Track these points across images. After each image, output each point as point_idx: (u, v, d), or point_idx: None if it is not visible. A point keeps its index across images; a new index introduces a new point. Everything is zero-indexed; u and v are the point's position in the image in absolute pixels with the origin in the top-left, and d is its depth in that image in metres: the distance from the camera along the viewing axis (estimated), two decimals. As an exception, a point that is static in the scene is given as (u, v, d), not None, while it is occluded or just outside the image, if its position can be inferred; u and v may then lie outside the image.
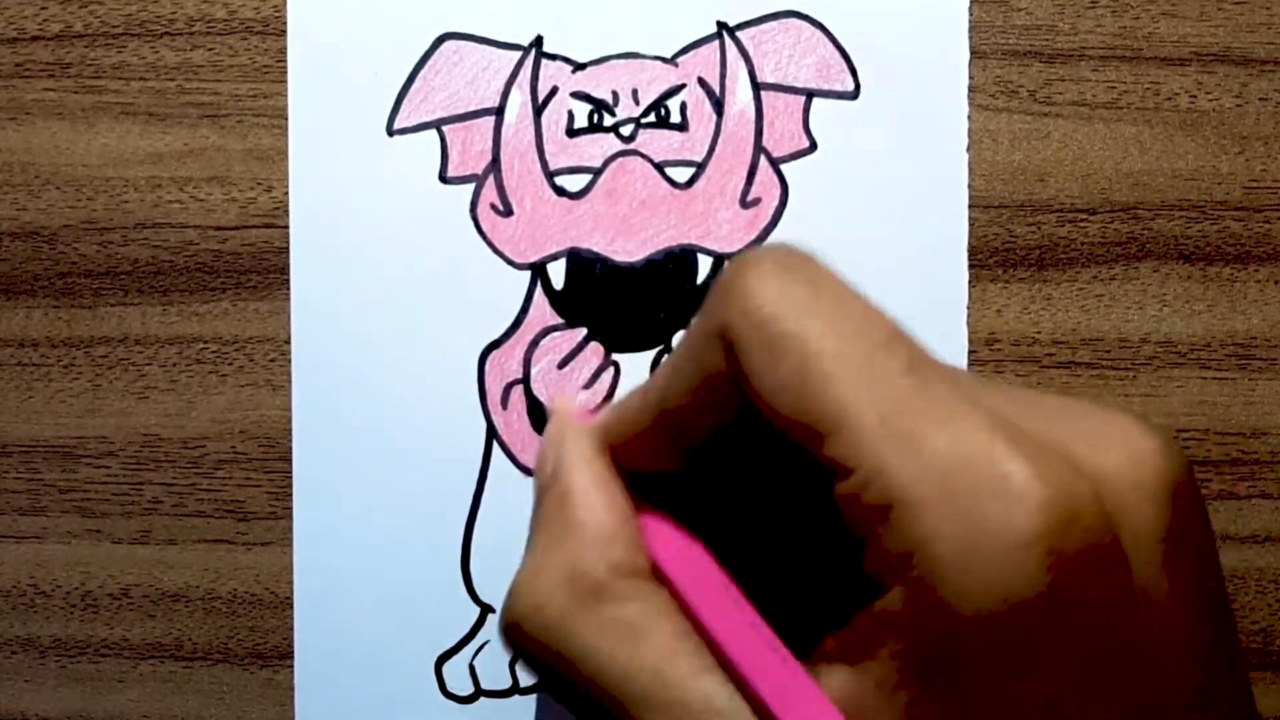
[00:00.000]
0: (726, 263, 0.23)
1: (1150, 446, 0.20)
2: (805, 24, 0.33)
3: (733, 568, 0.24)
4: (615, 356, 0.33)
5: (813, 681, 0.21)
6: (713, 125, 0.33)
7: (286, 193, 0.33)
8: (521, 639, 0.23)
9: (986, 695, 0.19)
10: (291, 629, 0.33)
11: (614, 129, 0.33)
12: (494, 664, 0.33)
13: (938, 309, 0.33)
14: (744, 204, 0.33)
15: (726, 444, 0.24)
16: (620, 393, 0.33)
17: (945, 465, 0.19)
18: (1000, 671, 0.19)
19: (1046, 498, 0.18)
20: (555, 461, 0.25)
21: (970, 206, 0.33)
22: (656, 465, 0.24)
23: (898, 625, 0.19)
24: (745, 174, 0.33)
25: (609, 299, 0.33)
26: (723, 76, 0.33)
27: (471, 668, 0.33)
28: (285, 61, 0.33)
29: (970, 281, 0.33)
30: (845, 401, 0.20)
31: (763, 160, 0.33)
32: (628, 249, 0.33)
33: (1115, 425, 0.21)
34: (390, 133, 0.33)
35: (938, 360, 0.21)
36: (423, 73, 0.33)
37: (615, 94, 0.33)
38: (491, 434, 0.33)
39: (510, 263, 0.33)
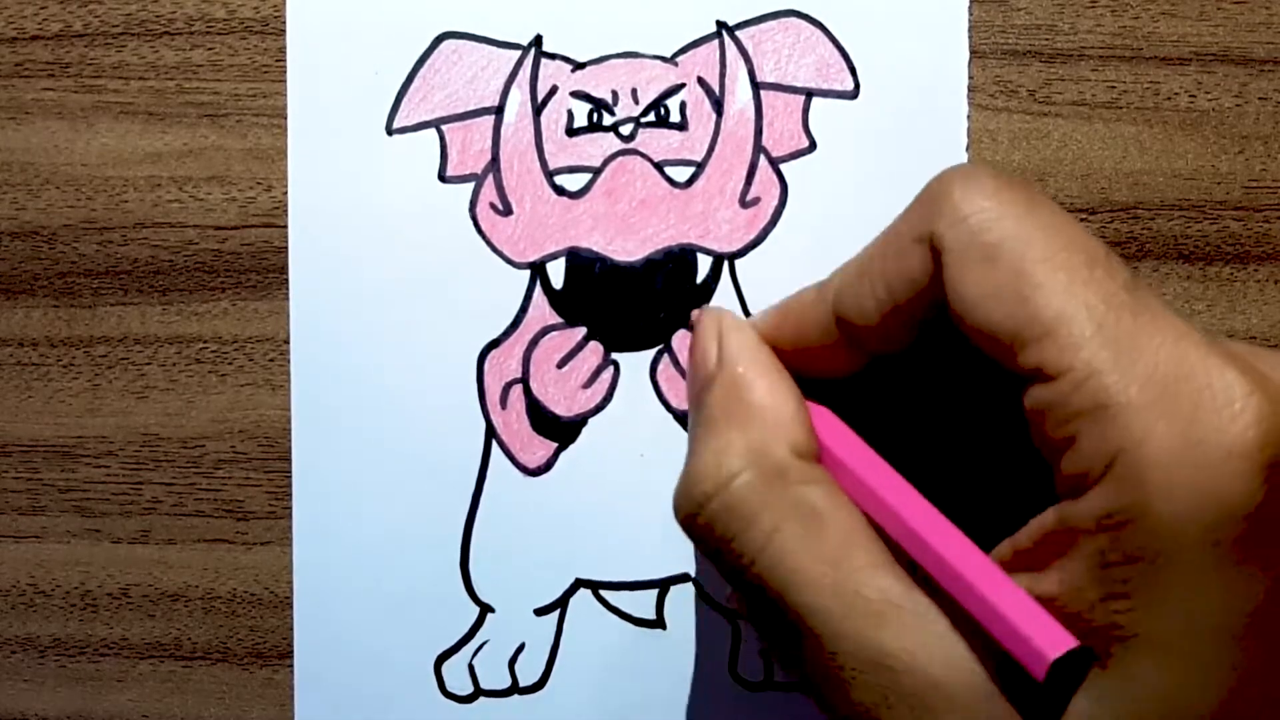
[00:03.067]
0: (937, 174, 0.23)
1: None
2: (805, 23, 0.33)
3: (894, 462, 0.23)
4: (615, 356, 0.33)
5: (999, 567, 0.21)
6: (712, 125, 0.33)
7: (286, 192, 0.33)
8: (703, 518, 0.23)
9: (1187, 598, 0.19)
10: (291, 629, 0.33)
11: (613, 128, 0.33)
12: (493, 663, 0.33)
13: (937, 309, 0.33)
14: (743, 203, 0.33)
15: (899, 359, 0.23)
16: (620, 392, 0.33)
17: (1164, 372, 0.19)
18: (1204, 577, 0.19)
19: (1265, 411, 0.19)
20: (720, 352, 0.25)
21: (970, 206, 0.33)
22: (826, 370, 0.24)
23: (1093, 527, 0.19)
24: (745, 173, 0.33)
25: (608, 298, 0.33)
26: (722, 76, 0.33)
27: (471, 667, 0.33)
28: (285, 61, 0.33)
29: (970, 281, 0.33)
30: (1063, 307, 0.20)
31: (762, 160, 0.33)
32: (627, 248, 0.33)
33: None
34: (390, 132, 0.33)
35: (1146, 283, 0.22)
36: (422, 72, 0.33)
37: (615, 93, 0.33)
38: (491, 433, 0.33)
39: (509, 262, 0.33)
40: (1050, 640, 0.19)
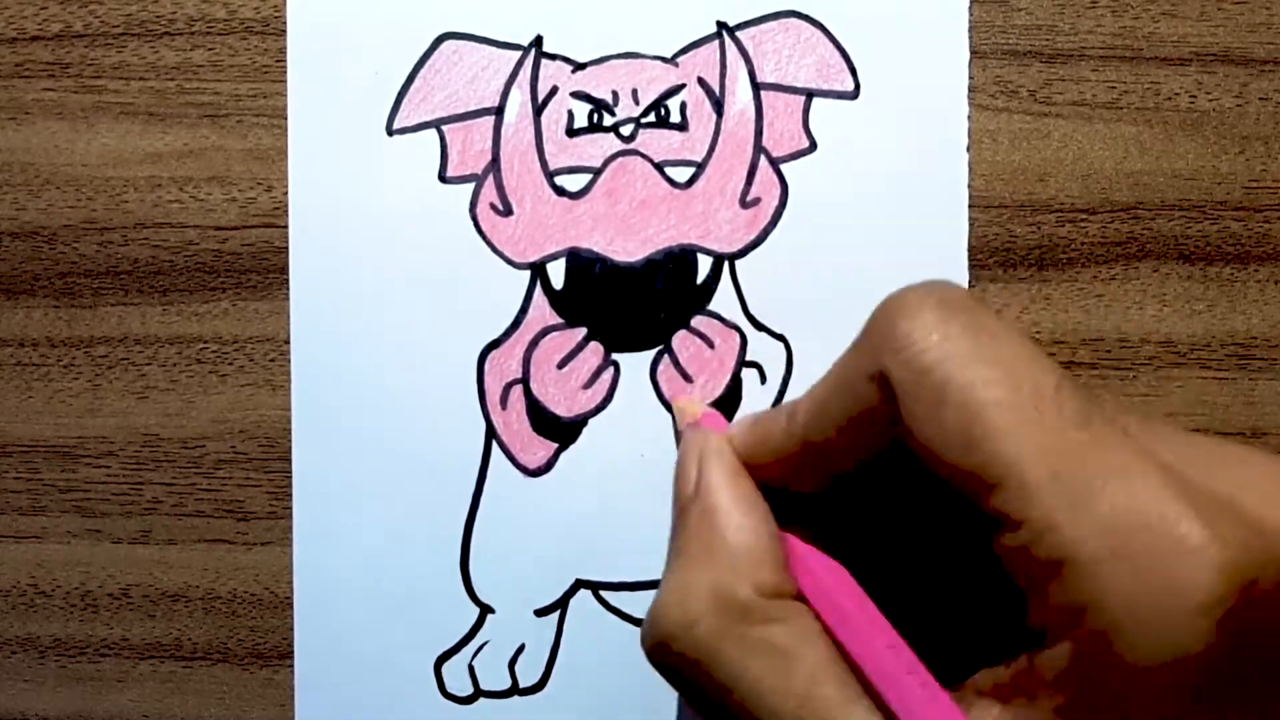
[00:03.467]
0: (882, 301, 0.22)
1: None
2: (805, 24, 0.33)
3: (870, 586, 0.23)
4: (615, 356, 0.33)
5: (958, 709, 0.20)
6: (712, 125, 0.33)
7: (286, 193, 0.33)
8: (669, 657, 0.23)
9: None
10: (291, 629, 0.33)
11: (614, 129, 0.33)
12: (493, 664, 0.33)
13: (938, 309, 0.33)
14: (744, 204, 0.33)
15: (872, 468, 0.23)
16: (620, 393, 0.33)
17: (1120, 523, 0.19)
18: None
19: (1225, 560, 0.18)
20: (698, 478, 0.25)
21: (970, 206, 0.33)
22: (798, 487, 0.24)
23: (1061, 678, 0.19)
24: (745, 174, 0.33)
25: (609, 299, 0.33)
26: (723, 76, 0.33)
27: (471, 668, 0.33)
28: (285, 61, 0.33)
29: (970, 281, 0.33)
30: (1013, 455, 0.19)
31: (762, 160, 0.33)
32: (627, 249, 0.33)
33: None
34: (390, 132, 0.33)
35: (1105, 401, 0.21)
36: (422, 72, 0.33)
37: (615, 94, 0.33)
38: (491, 434, 0.33)
39: (510, 262, 0.33)
40: None
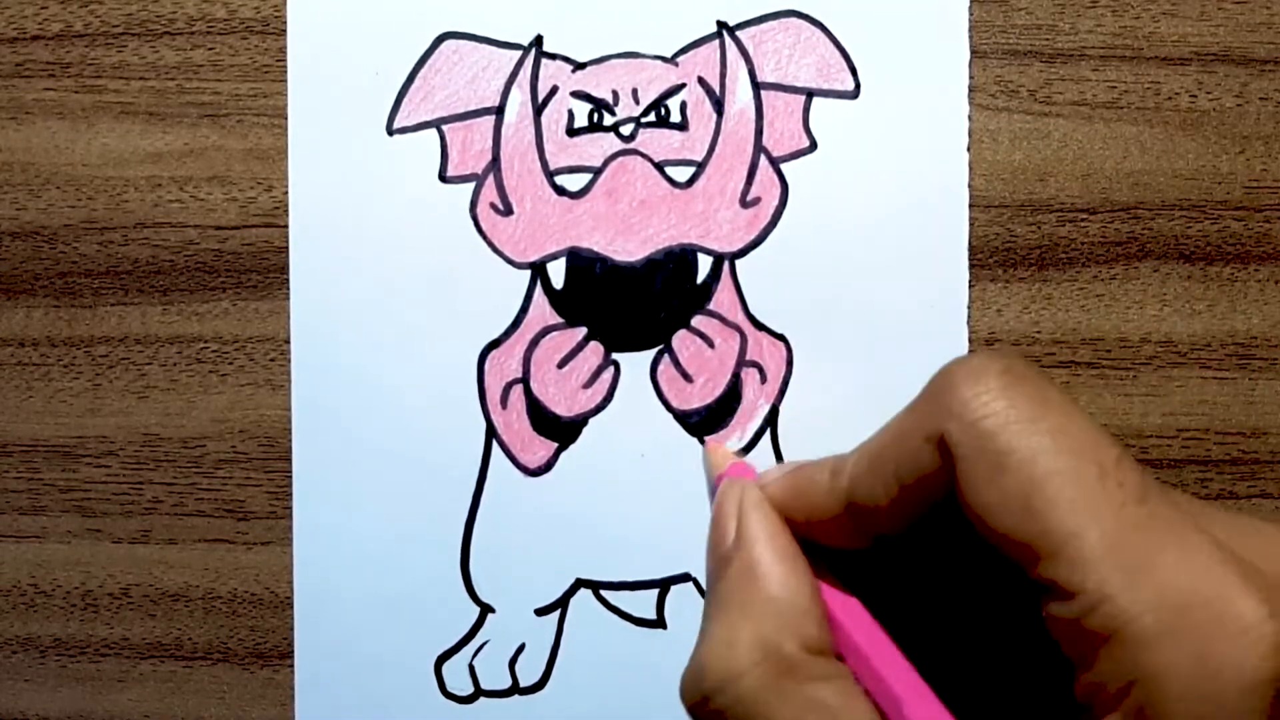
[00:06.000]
0: (945, 366, 0.22)
1: None
2: (805, 23, 0.33)
3: (902, 645, 0.23)
4: (615, 356, 0.33)
5: None
6: (713, 125, 0.33)
7: (286, 192, 0.33)
8: (711, 711, 0.23)
9: None
10: (291, 629, 0.33)
11: (614, 128, 0.33)
12: (494, 664, 0.33)
13: (938, 309, 0.33)
14: (744, 203, 0.33)
15: (912, 530, 0.23)
16: (620, 393, 0.33)
17: (1176, 599, 0.19)
18: None
19: (1278, 639, 0.18)
20: (739, 532, 0.25)
21: (970, 206, 0.33)
22: (839, 544, 0.24)
23: None
24: (745, 173, 0.33)
25: (609, 298, 0.33)
26: (723, 76, 0.33)
27: (471, 668, 0.33)
28: (285, 61, 0.33)
29: (970, 281, 0.33)
30: (1072, 525, 0.20)
31: (763, 160, 0.33)
32: (628, 248, 0.33)
33: None
34: (390, 132, 0.33)
35: (1157, 482, 0.21)
36: (423, 72, 0.33)
37: (615, 93, 0.33)
38: (491, 433, 0.33)
39: (510, 262, 0.33)
40: None
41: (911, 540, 0.24)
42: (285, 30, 0.33)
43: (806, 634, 0.23)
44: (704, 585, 0.25)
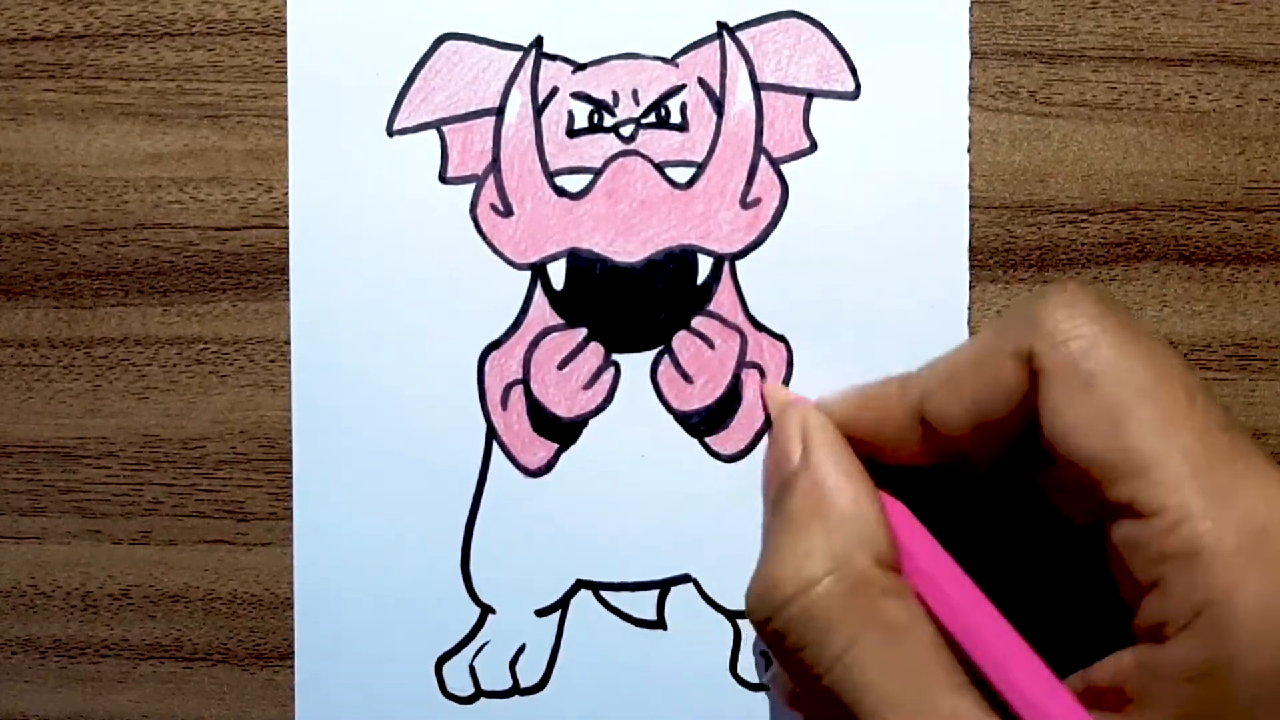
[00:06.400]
0: (1039, 289, 0.22)
1: None
2: (805, 24, 0.33)
3: (967, 566, 0.23)
4: (615, 357, 0.33)
5: (1079, 705, 0.20)
6: (713, 125, 0.33)
7: (286, 193, 0.33)
8: (781, 625, 0.23)
9: None
10: (291, 629, 0.33)
11: (614, 129, 0.33)
12: (494, 664, 0.33)
13: (938, 309, 0.33)
14: (744, 204, 0.33)
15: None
16: (620, 393, 0.33)
17: (1259, 521, 0.19)
18: None
19: None
20: (805, 451, 0.24)
21: (970, 207, 0.33)
22: (901, 461, 0.24)
23: (1178, 675, 0.19)
24: (745, 174, 0.33)
25: (609, 299, 0.33)
26: (723, 77, 0.33)
27: (472, 668, 0.33)
28: (285, 61, 0.33)
29: (970, 282, 0.33)
30: (1157, 446, 0.20)
31: (763, 160, 0.33)
32: (628, 249, 0.33)
33: None
34: (390, 133, 0.33)
35: (1236, 419, 0.21)
36: (423, 73, 0.33)
37: (615, 94, 0.33)
38: (491, 434, 0.33)
39: (510, 263, 0.33)
40: None
41: (979, 470, 0.24)
42: (285, 31, 0.33)
43: (879, 548, 0.23)
44: (762, 522, 0.24)
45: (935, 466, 0.24)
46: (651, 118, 0.33)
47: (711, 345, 0.33)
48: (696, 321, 0.33)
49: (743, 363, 0.33)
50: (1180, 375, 0.21)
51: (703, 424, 0.33)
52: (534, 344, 0.33)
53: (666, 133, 0.33)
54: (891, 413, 0.24)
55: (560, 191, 0.33)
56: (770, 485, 0.25)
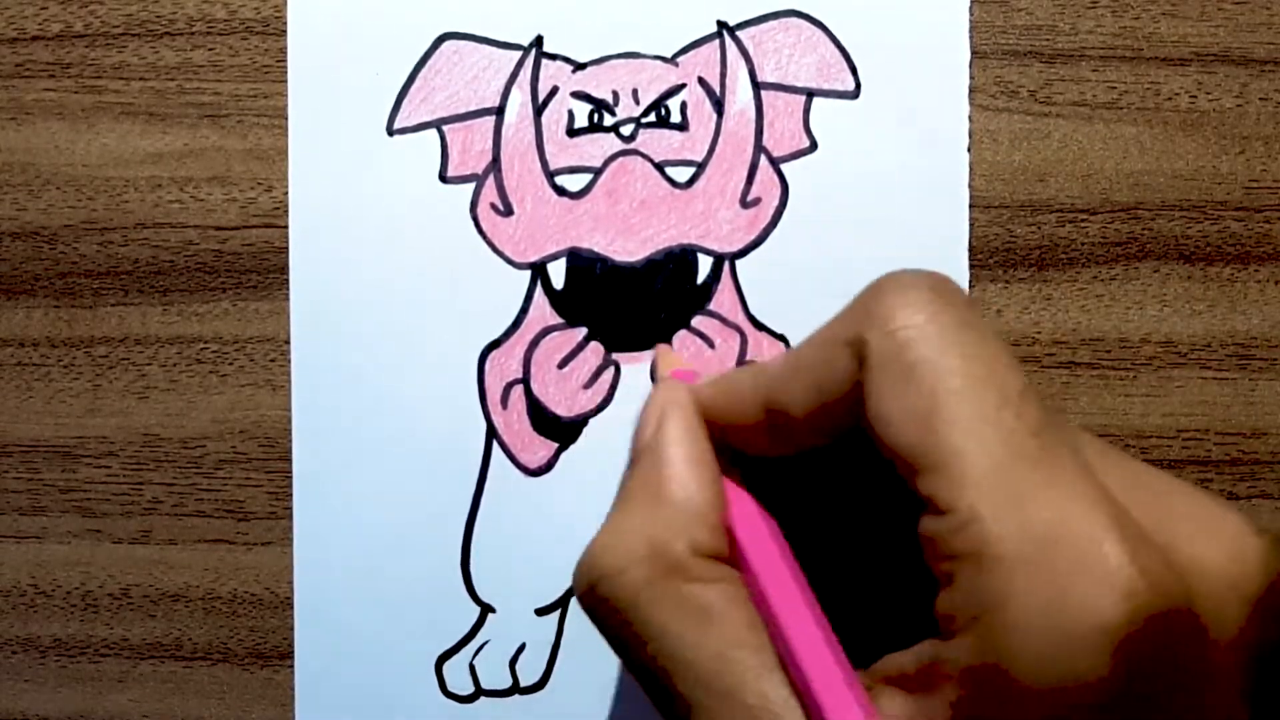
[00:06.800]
0: (879, 277, 0.23)
1: (1255, 546, 0.20)
2: (805, 23, 0.33)
3: (806, 554, 0.23)
4: (615, 356, 0.33)
5: (869, 702, 0.20)
6: (713, 125, 0.33)
7: (286, 193, 0.33)
8: (595, 600, 0.23)
9: None
10: (291, 629, 0.33)
11: (614, 129, 0.33)
12: (494, 663, 0.33)
13: (938, 309, 0.33)
14: (744, 204, 0.33)
15: (832, 447, 0.23)
16: (620, 393, 0.33)
17: (1045, 530, 0.19)
18: None
19: (1137, 588, 0.18)
20: (657, 428, 0.25)
21: (970, 206, 0.33)
22: (755, 451, 0.24)
23: (957, 674, 0.19)
24: (745, 174, 0.33)
25: (609, 299, 0.33)
26: (723, 76, 0.33)
27: (472, 667, 0.33)
28: (285, 61, 0.33)
29: (970, 281, 0.33)
30: (959, 443, 0.20)
31: (763, 160, 0.33)
32: (628, 249, 0.33)
33: (1222, 519, 0.21)
34: (390, 132, 0.33)
35: (1064, 420, 0.21)
36: (423, 73, 0.33)
37: (615, 94, 0.33)
38: (491, 434, 0.33)
39: (510, 262, 0.33)
40: None
41: (834, 454, 0.24)
42: (285, 30, 0.33)
43: (697, 537, 0.23)
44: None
45: (796, 462, 0.25)
46: (651, 117, 0.33)
47: (711, 345, 0.33)
48: (696, 321, 0.33)
49: (743, 362, 0.33)
50: (1001, 374, 0.20)
51: (703, 423, 0.33)
52: (534, 343, 0.33)
53: (666, 132, 0.33)
54: (745, 399, 0.24)
55: (560, 191, 0.33)
56: (630, 452, 0.26)
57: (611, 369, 0.33)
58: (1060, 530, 0.19)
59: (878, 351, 0.21)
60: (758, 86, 0.33)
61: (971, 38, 0.33)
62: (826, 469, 0.25)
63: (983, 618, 0.19)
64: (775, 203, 0.33)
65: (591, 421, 0.33)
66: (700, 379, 0.27)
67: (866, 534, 0.25)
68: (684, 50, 0.33)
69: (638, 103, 0.33)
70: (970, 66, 0.33)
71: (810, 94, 0.33)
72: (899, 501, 0.22)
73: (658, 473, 0.24)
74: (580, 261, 0.33)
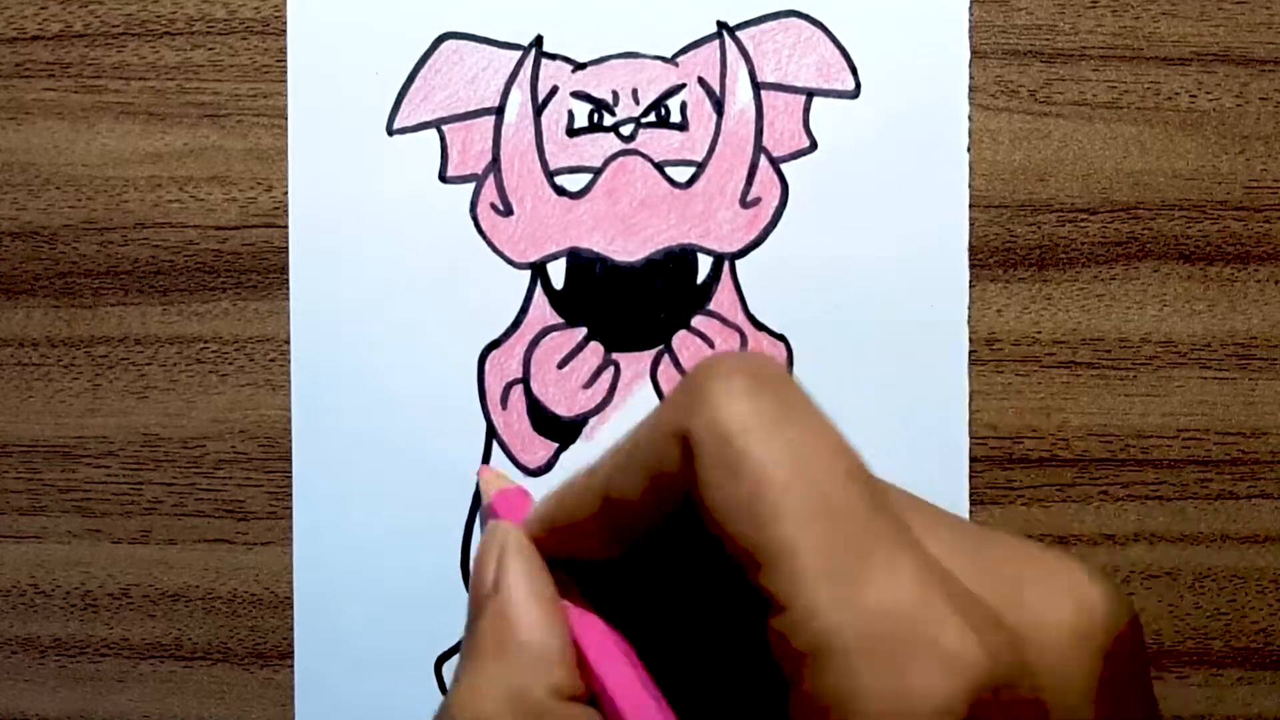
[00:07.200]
0: (698, 363, 0.22)
1: (1097, 596, 0.20)
2: (805, 23, 0.33)
3: (656, 660, 0.23)
4: (615, 356, 0.33)
5: None
6: (713, 125, 0.33)
7: (286, 193, 0.33)
8: None
9: None
10: (291, 629, 0.33)
11: (614, 128, 0.33)
12: (494, 664, 0.33)
13: (938, 309, 0.33)
14: (744, 203, 0.33)
15: (666, 536, 0.23)
16: (620, 393, 0.33)
17: (878, 619, 0.19)
18: None
19: (973, 664, 0.18)
20: (496, 573, 0.25)
21: (970, 206, 0.33)
22: (594, 553, 0.24)
23: None
24: (745, 173, 0.33)
25: (609, 298, 0.33)
26: (723, 76, 0.33)
27: (471, 668, 0.33)
28: (285, 61, 0.33)
29: (971, 281, 0.33)
30: (789, 538, 0.19)
31: (763, 160, 0.33)
32: (628, 248, 0.33)
33: (1064, 573, 0.21)
34: (390, 132, 0.33)
35: (896, 491, 0.21)
36: (423, 72, 0.33)
37: (615, 94, 0.33)
38: (491, 433, 0.33)
39: (510, 262, 0.33)
40: None
41: (672, 550, 0.24)
42: (285, 30, 0.33)
43: (557, 679, 0.23)
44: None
45: (637, 563, 0.25)
46: (651, 117, 0.33)
47: (711, 344, 0.33)
48: (696, 321, 0.33)
49: (743, 362, 0.33)
50: (829, 459, 0.20)
51: (703, 423, 0.33)
52: (534, 343, 0.33)
53: (666, 132, 0.33)
54: (580, 496, 0.24)
55: (560, 191, 0.33)
56: (469, 606, 0.26)
57: (611, 369, 0.33)
58: (893, 615, 0.19)
59: (703, 444, 0.21)
60: (758, 86, 0.33)
61: (971, 38, 0.33)
62: (666, 570, 0.25)
63: (831, 713, 0.19)
64: (775, 203, 0.33)
65: (591, 421, 0.33)
66: (529, 501, 0.27)
67: (714, 632, 0.25)
68: (684, 50, 0.33)
69: (637, 103, 0.33)
70: (970, 66, 0.33)
71: (810, 94, 0.33)
72: (742, 596, 0.22)
73: (504, 617, 0.24)
74: (580, 261, 0.33)
